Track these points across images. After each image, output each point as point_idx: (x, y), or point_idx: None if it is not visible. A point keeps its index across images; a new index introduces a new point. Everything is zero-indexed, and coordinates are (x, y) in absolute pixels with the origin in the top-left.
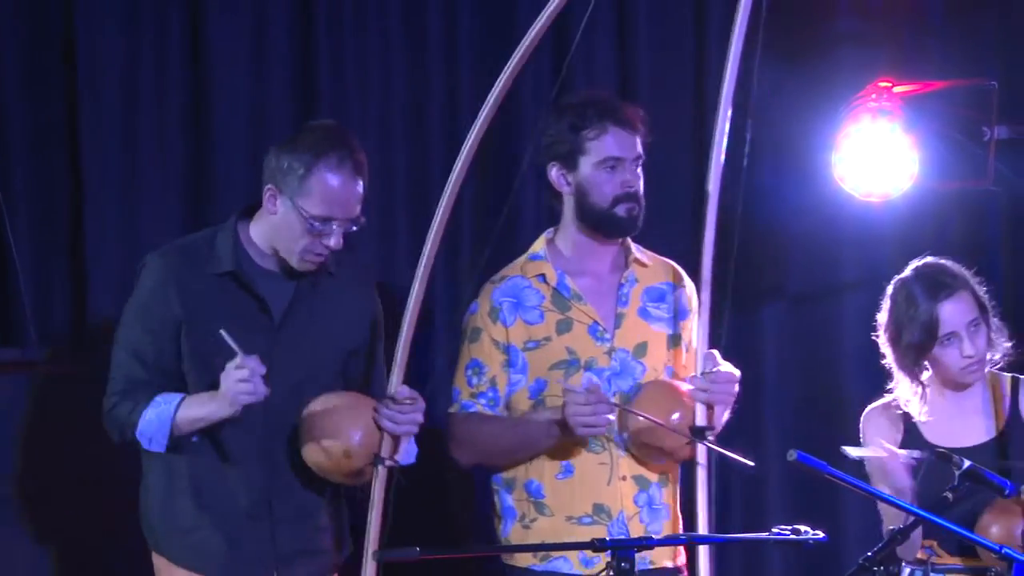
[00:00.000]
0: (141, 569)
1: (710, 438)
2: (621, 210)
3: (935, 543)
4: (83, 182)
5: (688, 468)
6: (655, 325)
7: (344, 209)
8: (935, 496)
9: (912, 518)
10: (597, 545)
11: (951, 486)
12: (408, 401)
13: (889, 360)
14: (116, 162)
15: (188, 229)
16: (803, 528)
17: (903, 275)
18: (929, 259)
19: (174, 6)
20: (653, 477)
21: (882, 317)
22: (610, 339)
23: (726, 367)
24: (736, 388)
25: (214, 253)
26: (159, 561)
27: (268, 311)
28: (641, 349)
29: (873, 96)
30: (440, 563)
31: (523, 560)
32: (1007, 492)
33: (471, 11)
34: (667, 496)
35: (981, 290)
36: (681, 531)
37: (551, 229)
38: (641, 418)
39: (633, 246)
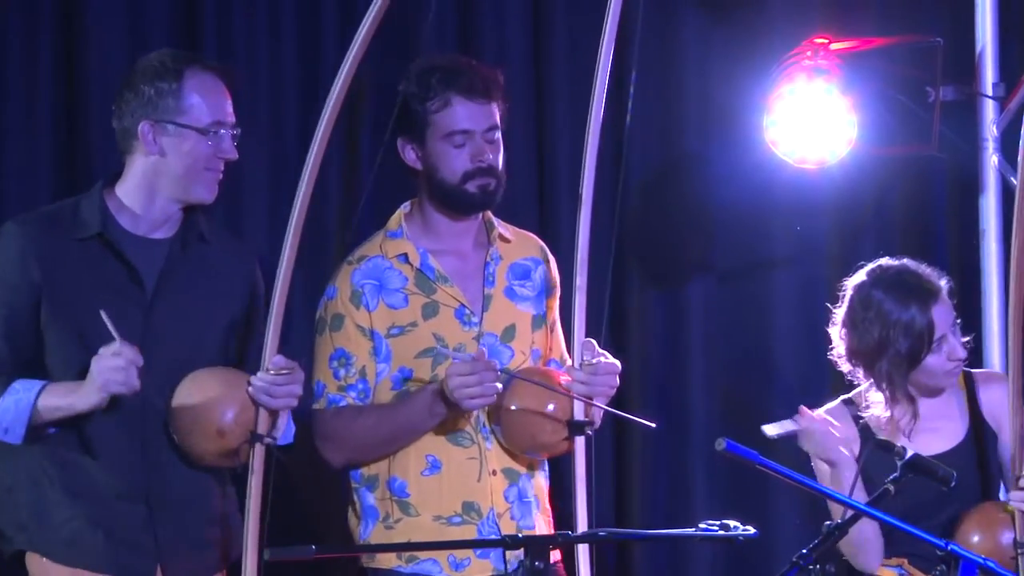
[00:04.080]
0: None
1: (591, 429)
2: (472, 186)
3: (905, 561)
4: None
5: (567, 463)
6: (521, 305)
7: (226, 112)
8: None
9: (852, 511)
10: (510, 543)
11: (893, 477)
12: (285, 371)
13: (860, 378)
14: None
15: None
16: (732, 523)
17: (863, 283)
18: (890, 263)
19: None
20: (522, 469)
21: (852, 334)
22: (478, 323)
23: (606, 358)
24: (616, 380)
25: (79, 218)
26: (33, 560)
27: (139, 281)
28: (509, 333)
29: (808, 54)
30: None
31: (386, 561)
32: (952, 483)
33: None
34: (536, 488)
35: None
36: (550, 523)
37: (408, 203)
38: (527, 389)
39: (495, 220)
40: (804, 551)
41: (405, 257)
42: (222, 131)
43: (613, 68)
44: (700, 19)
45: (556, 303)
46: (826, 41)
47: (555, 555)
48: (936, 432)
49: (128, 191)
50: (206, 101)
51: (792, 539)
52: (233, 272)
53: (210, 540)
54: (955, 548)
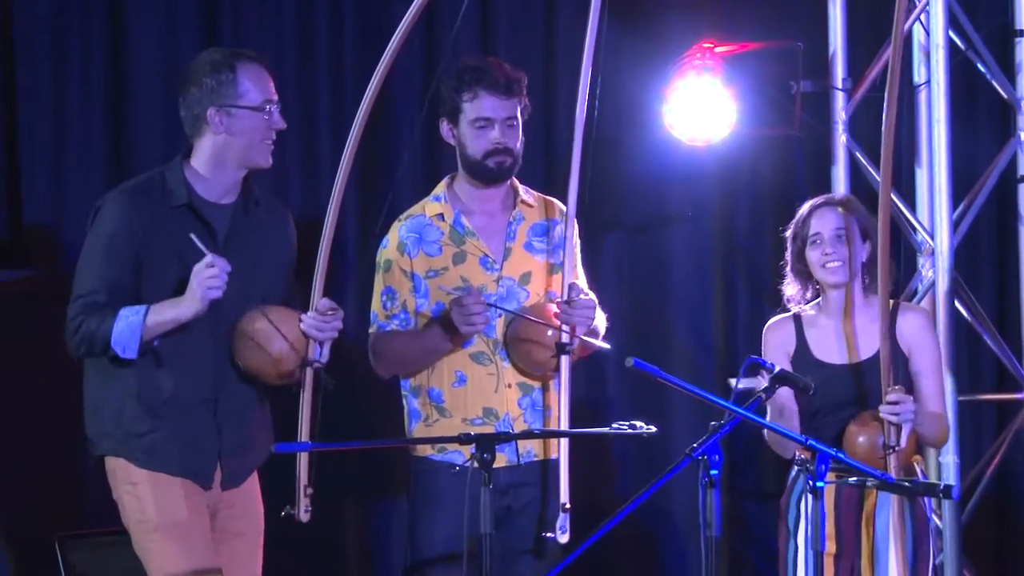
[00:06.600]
0: (78, 467)
1: (570, 349)
2: (491, 162)
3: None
4: (17, 126)
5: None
6: (538, 256)
7: (271, 91)
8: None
9: (730, 415)
10: (463, 439)
11: (764, 387)
12: (329, 312)
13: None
14: (47, 115)
15: (108, 162)
16: (639, 423)
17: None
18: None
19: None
20: (536, 384)
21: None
22: (499, 269)
23: (586, 295)
24: (593, 313)
25: (167, 189)
26: (115, 463)
27: (215, 237)
28: (526, 278)
29: (697, 55)
30: (366, 451)
31: (423, 451)
32: (811, 392)
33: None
34: (549, 400)
35: (870, 222)
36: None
37: (450, 175)
38: (520, 319)
39: (521, 188)
40: (694, 444)
41: (442, 216)
42: (270, 107)
43: (546, 76)
44: (612, 30)
45: (577, 252)
46: (711, 45)
47: (555, 453)
48: (856, 345)
49: (202, 164)
50: (256, 85)
51: (685, 436)
52: (277, 227)
53: (255, 443)
54: (812, 442)
